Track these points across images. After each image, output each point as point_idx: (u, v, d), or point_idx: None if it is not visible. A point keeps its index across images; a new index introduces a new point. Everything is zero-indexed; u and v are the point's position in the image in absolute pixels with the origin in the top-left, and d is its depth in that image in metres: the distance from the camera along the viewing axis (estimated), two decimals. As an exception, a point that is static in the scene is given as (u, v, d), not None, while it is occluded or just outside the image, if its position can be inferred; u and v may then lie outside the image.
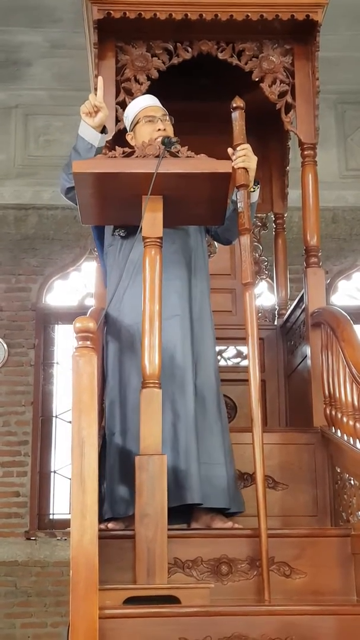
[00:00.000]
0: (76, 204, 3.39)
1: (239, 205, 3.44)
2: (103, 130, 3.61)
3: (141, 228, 3.12)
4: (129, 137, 3.74)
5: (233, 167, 3.36)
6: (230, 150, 3.51)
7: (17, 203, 7.21)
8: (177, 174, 3.09)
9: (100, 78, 3.66)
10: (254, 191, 3.61)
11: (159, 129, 3.60)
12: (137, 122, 3.70)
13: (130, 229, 3.56)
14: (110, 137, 4.05)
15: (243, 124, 3.52)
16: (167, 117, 3.68)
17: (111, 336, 3.56)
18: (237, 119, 3.53)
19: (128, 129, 3.79)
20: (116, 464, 3.34)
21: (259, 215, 4.96)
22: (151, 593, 2.73)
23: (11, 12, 6.26)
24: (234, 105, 3.53)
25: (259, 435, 3.14)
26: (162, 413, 3.08)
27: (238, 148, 3.50)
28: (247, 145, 3.51)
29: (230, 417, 4.52)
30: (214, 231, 3.80)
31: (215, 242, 4.52)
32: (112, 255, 3.69)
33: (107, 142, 3.98)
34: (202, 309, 3.59)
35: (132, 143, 3.65)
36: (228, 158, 3.39)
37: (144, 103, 3.75)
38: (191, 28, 4.14)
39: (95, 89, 4.01)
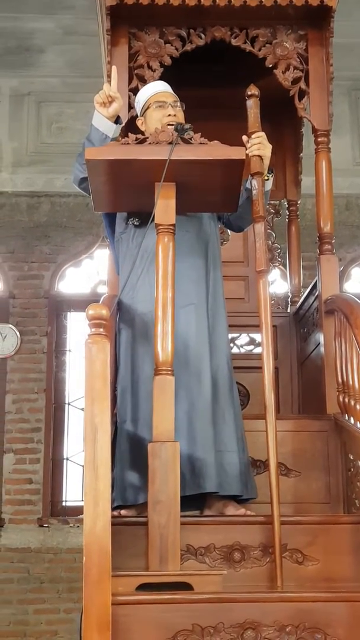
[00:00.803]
0: (89, 195, 3.38)
1: (253, 193, 3.43)
2: (117, 121, 3.60)
3: (154, 215, 3.11)
4: (139, 123, 3.73)
5: (247, 155, 3.35)
6: (245, 137, 3.50)
7: (30, 190, 7.22)
8: (190, 161, 3.08)
9: (114, 67, 3.65)
10: (268, 179, 3.60)
11: (169, 114, 3.59)
12: (148, 108, 3.69)
13: (144, 218, 3.55)
14: (123, 124, 4.05)
15: (258, 112, 3.51)
16: (178, 104, 3.67)
17: (124, 324, 3.55)
18: (252, 106, 3.52)
19: (139, 114, 3.77)
20: (127, 452, 3.34)
21: (272, 202, 4.94)
22: (164, 580, 2.73)
23: (24, -1, 6.26)
24: (249, 93, 3.51)
25: (272, 422, 3.14)
26: (178, 402, 3.08)
27: (253, 136, 3.49)
28: (262, 133, 3.50)
29: (243, 404, 4.51)
30: (226, 218, 3.79)
31: (228, 230, 4.51)
32: (125, 243, 3.67)
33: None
34: (216, 297, 3.58)
35: (143, 128, 3.66)
36: (242, 144, 3.37)
37: (155, 89, 3.74)
38: (204, 14, 4.12)
39: (109, 77, 4.01)
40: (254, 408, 4.46)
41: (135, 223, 3.63)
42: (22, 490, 6.79)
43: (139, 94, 3.81)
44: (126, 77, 4.11)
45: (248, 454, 3.46)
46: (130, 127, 3.88)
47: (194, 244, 3.53)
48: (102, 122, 3.55)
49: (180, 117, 3.61)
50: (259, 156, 3.48)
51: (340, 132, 6.70)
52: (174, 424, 2.98)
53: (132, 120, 4.03)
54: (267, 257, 3.40)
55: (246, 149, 3.39)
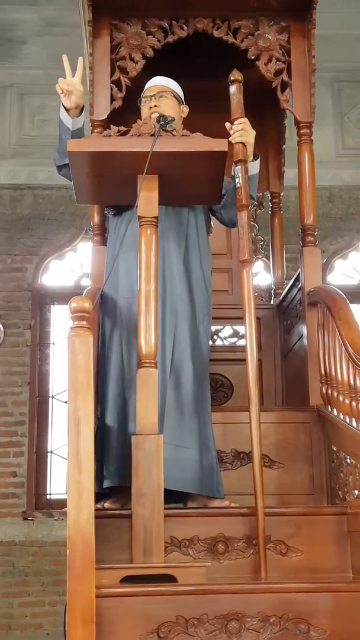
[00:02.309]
0: (71, 180, 3.39)
1: (236, 180, 3.42)
2: (82, 111, 3.61)
3: (137, 206, 3.11)
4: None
5: (230, 142, 3.34)
6: (228, 124, 3.48)
7: (13, 183, 7.18)
8: (172, 153, 3.07)
9: (64, 56, 3.60)
10: (253, 161, 3.57)
11: (151, 107, 3.63)
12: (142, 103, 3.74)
13: (120, 208, 3.57)
14: (105, 116, 4.04)
15: (241, 98, 3.49)
16: (166, 94, 3.67)
17: (104, 314, 3.58)
18: (235, 92, 3.49)
19: None
20: (100, 440, 3.35)
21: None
22: (148, 572, 2.74)
23: (5, -10, 6.22)
24: (232, 78, 3.49)
25: (256, 414, 3.14)
26: (134, 391, 3.11)
27: (235, 122, 3.47)
28: (245, 119, 3.48)
29: (227, 396, 4.53)
30: (219, 212, 3.76)
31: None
32: (109, 233, 3.71)
33: (101, 120, 3.97)
34: (178, 288, 3.49)
35: None
36: (225, 136, 3.35)
37: (149, 83, 3.77)
38: (186, 5, 4.12)
39: (91, 68, 4.01)
40: (237, 400, 4.47)
41: (112, 213, 3.66)
42: (7, 483, 6.77)
43: None
44: (108, 69, 4.11)
45: (214, 450, 3.42)
46: (113, 119, 3.87)
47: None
48: (64, 114, 3.59)
49: (165, 107, 3.61)
50: (242, 143, 3.46)
51: (323, 124, 6.69)
52: (157, 417, 2.98)
53: (115, 112, 4.04)
54: (251, 247, 3.38)
55: (228, 138, 3.38)
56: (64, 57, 3.57)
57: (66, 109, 3.57)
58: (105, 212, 3.71)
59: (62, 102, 3.55)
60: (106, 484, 3.27)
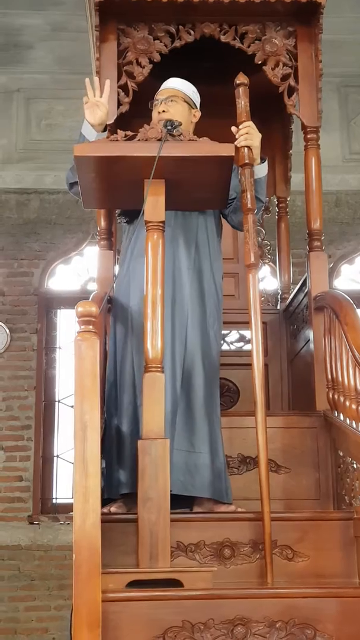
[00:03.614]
0: (80, 199, 3.40)
1: (243, 184, 3.41)
2: (105, 129, 3.61)
3: (143, 212, 3.11)
4: None
5: (236, 146, 3.34)
6: (234, 128, 3.47)
7: (19, 187, 7.19)
8: (179, 158, 3.07)
9: (87, 80, 3.61)
10: (261, 164, 3.55)
11: (159, 112, 3.62)
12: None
13: (133, 216, 3.57)
14: (112, 121, 4.05)
15: (247, 101, 3.47)
16: (176, 98, 3.67)
17: (114, 318, 3.59)
18: (241, 96, 3.49)
19: None
20: (113, 446, 3.36)
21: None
22: (154, 576, 2.74)
23: (12, -5, 6.23)
24: (238, 81, 3.47)
25: (262, 419, 3.13)
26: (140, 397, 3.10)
27: (240, 126, 3.45)
28: (250, 123, 3.45)
29: (233, 401, 4.53)
30: (229, 215, 3.73)
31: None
32: (124, 241, 3.74)
33: (108, 125, 3.98)
34: (188, 293, 3.49)
35: None
36: (231, 141, 3.35)
37: (163, 86, 3.77)
38: (193, 10, 4.11)
39: (98, 73, 4.02)
40: (243, 405, 4.46)
41: (125, 221, 3.68)
42: (13, 487, 6.79)
43: None
44: (115, 73, 4.11)
45: (223, 455, 3.42)
46: (120, 124, 3.87)
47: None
48: (87, 128, 3.57)
49: (174, 112, 3.61)
50: (248, 147, 3.44)
51: (329, 129, 6.69)
52: (163, 421, 2.98)
53: (122, 117, 4.04)
54: (257, 251, 3.37)
55: (235, 142, 3.38)
56: (87, 81, 3.59)
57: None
58: (119, 220, 3.71)
59: (86, 118, 3.54)
60: (122, 490, 3.27)
